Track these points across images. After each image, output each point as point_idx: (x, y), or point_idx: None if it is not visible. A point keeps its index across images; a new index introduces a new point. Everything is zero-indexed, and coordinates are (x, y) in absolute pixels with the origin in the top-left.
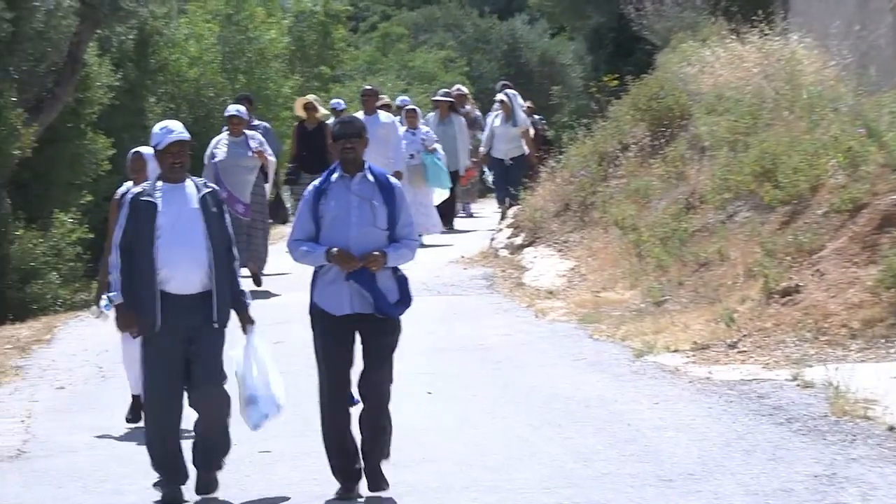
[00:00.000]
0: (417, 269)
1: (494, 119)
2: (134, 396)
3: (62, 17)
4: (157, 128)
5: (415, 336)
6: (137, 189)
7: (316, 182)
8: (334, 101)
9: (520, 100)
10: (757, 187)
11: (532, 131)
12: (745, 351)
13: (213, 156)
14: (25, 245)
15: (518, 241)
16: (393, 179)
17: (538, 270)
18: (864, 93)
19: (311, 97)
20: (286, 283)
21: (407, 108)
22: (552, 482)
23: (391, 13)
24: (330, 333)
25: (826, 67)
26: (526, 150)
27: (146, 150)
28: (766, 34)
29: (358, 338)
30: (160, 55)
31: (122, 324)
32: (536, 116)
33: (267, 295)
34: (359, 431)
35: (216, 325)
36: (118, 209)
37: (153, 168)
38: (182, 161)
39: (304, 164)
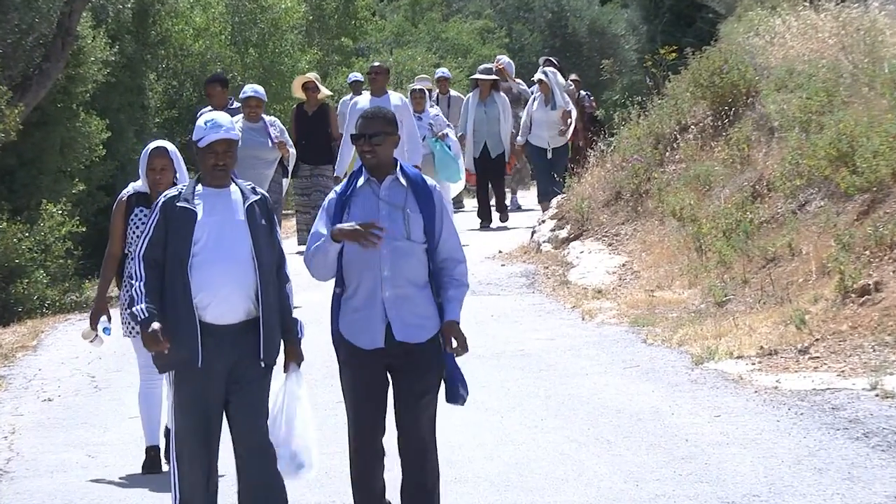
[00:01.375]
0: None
1: (532, 103)
2: (150, 448)
3: None
4: (201, 120)
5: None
6: (172, 192)
7: (338, 189)
8: (352, 74)
9: (559, 78)
10: (832, 173)
11: (575, 112)
12: (817, 357)
13: None
14: (9, 240)
15: (563, 234)
16: (430, 181)
17: (585, 267)
18: None
19: (311, 75)
20: (297, 283)
21: (414, 88)
22: None
23: None
24: (358, 372)
25: None
26: (568, 135)
27: (169, 147)
28: (843, 1)
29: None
30: (162, 26)
31: (151, 342)
32: (584, 92)
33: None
34: (399, 497)
35: (262, 364)
36: (124, 214)
37: (182, 170)
38: (227, 164)
39: (304, 152)
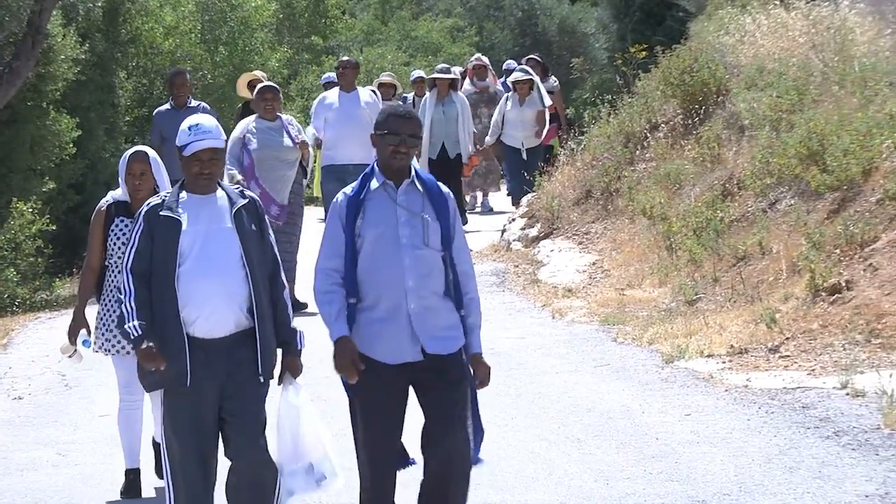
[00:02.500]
0: None
1: (506, 102)
2: (129, 471)
3: None
4: (185, 124)
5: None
6: (155, 199)
7: (348, 191)
8: (326, 75)
9: (535, 75)
10: (802, 171)
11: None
12: (788, 356)
13: (245, 143)
14: None
15: (533, 232)
16: (443, 187)
17: (555, 266)
18: None
19: (258, 73)
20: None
21: (382, 82)
22: None
23: None
24: (378, 389)
25: (881, 36)
26: (543, 135)
27: (149, 151)
28: None
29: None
30: (132, 25)
31: (147, 360)
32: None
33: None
34: None
35: (261, 378)
36: (103, 225)
37: (162, 177)
38: (212, 172)
39: None
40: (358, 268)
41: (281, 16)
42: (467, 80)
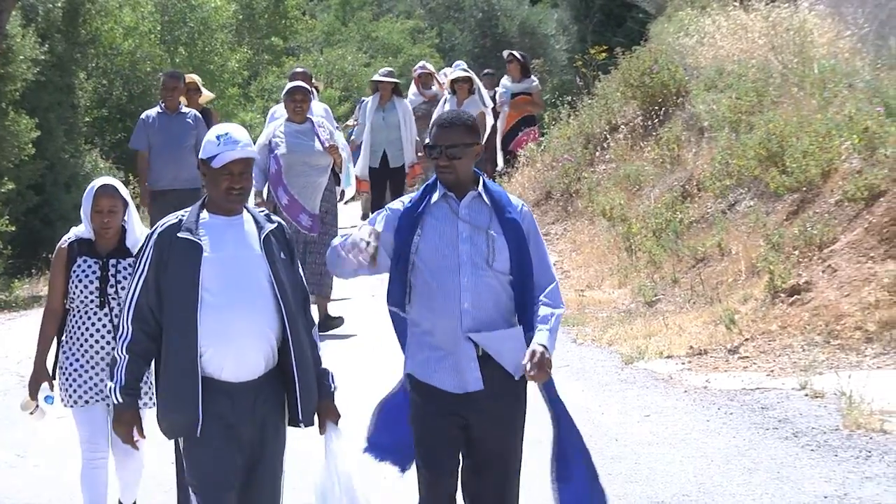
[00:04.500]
0: None
1: (444, 104)
2: None
3: None
4: (212, 134)
5: (373, 343)
6: (171, 220)
7: (405, 200)
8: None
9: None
10: (762, 173)
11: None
12: (747, 357)
13: (271, 147)
14: None
15: None
16: (517, 200)
17: None
18: (883, 67)
19: (193, 76)
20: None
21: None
22: None
23: None
24: (435, 420)
25: (840, 38)
26: (483, 138)
27: (118, 185)
28: (772, 1)
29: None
30: (91, 25)
31: (123, 429)
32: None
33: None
34: None
35: (302, 425)
36: (64, 265)
37: (131, 216)
38: (244, 187)
39: None
40: (412, 287)
41: (241, 17)
42: (412, 89)
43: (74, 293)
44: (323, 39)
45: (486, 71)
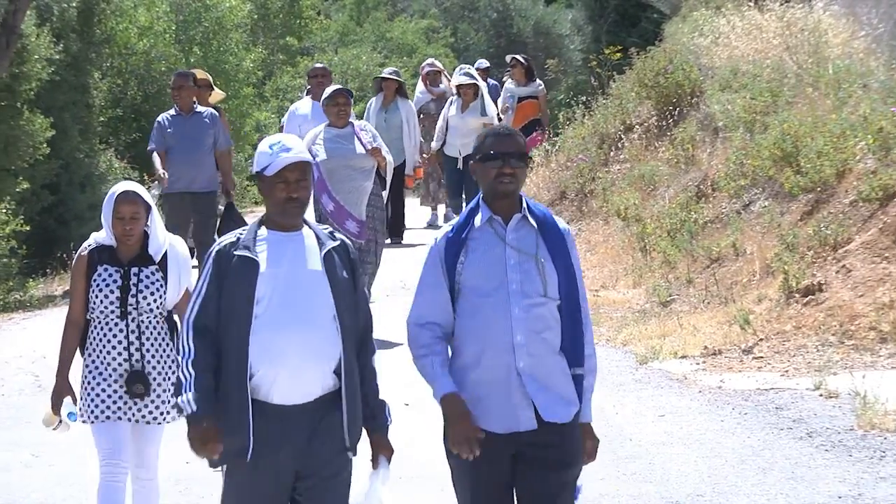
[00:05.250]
0: (390, 267)
1: (449, 107)
2: None
3: None
4: (265, 144)
5: (389, 342)
6: (229, 238)
7: (448, 229)
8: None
9: (480, 81)
10: (776, 173)
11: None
12: (761, 357)
13: (311, 154)
14: None
15: None
16: (561, 222)
17: None
18: None
19: (204, 74)
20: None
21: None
22: None
23: None
24: (482, 462)
25: (855, 38)
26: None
27: (140, 190)
28: (787, 1)
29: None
30: (106, 25)
31: (200, 442)
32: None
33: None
34: None
35: (349, 454)
36: (84, 273)
37: (154, 221)
38: (301, 197)
39: None
40: (456, 318)
41: (255, 16)
42: (419, 87)
43: (95, 303)
44: (337, 39)
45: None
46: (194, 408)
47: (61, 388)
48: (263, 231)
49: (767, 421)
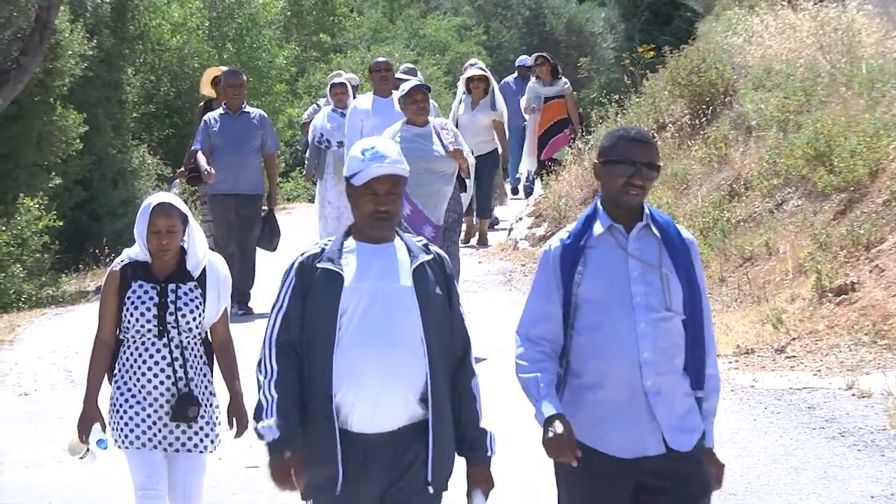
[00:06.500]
0: None
1: (458, 105)
2: None
3: None
4: (357, 148)
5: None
6: (313, 249)
7: (563, 236)
8: (348, 75)
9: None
10: (810, 172)
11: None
12: (794, 356)
13: None
14: None
15: (540, 231)
16: (686, 233)
17: None
18: None
19: (224, 69)
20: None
21: (334, 82)
22: None
23: None
24: (601, 489)
25: (888, 38)
26: (497, 144)
27: (177, 202)
28: (821, 1)
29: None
30: (140, 21)
31: (282, 474)
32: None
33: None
34: None
35: (431, 490)
36: (117, 290)
37: (193, 234)
38: (390, 211)
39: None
40: (574, 333)
41: (289, 13)
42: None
43: (130, 322)
44: (370, 36)
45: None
46: (276, 434)
47: (90, 414)
48: (351, 242)
49: (800, 420)
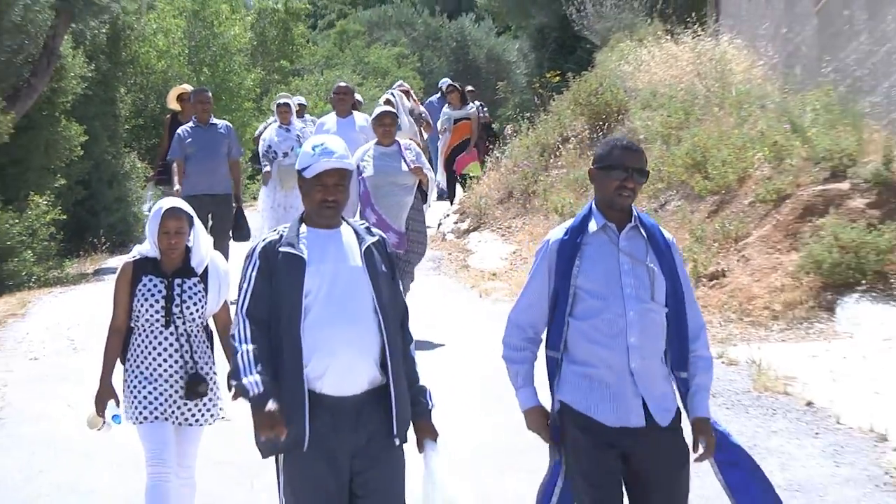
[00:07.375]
0: None
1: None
2: None
3: (38, 11)
4: (308, 145)
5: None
6: (271, 235)
7: (560, 233)
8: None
9: (405, 102)
10: (688, 178)
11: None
12: None
13: (359, 170)
14: (2, 225)
15: (464, 225)
16: (668, 234)
17: (482, 254)
18: (790, 91)
19: (187, 87)
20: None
21: (279, 103)
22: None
23: (348, 11)
24: (594, 453)
25: (754, 67)
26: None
27: (185, 207)
28: (698, 35)
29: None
30: (131, 48)
31: (267, 424)
32: (478, 103)
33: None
34: None
35: (396, 441)
36: (129, 283)
37: (198, 237)
38: (338, 200)
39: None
40: (572, 319)
41: (255, 43)
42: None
43: (140, 311)
44: (323, 63)
45: (449, 83)
46: (261, 389)
47: (105, 392)
48: (304, 229)
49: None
